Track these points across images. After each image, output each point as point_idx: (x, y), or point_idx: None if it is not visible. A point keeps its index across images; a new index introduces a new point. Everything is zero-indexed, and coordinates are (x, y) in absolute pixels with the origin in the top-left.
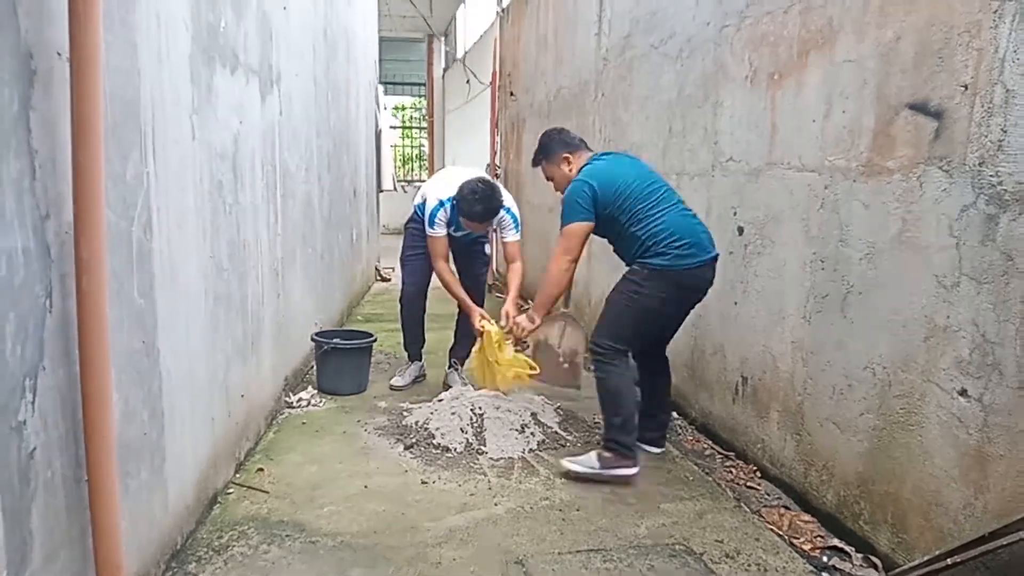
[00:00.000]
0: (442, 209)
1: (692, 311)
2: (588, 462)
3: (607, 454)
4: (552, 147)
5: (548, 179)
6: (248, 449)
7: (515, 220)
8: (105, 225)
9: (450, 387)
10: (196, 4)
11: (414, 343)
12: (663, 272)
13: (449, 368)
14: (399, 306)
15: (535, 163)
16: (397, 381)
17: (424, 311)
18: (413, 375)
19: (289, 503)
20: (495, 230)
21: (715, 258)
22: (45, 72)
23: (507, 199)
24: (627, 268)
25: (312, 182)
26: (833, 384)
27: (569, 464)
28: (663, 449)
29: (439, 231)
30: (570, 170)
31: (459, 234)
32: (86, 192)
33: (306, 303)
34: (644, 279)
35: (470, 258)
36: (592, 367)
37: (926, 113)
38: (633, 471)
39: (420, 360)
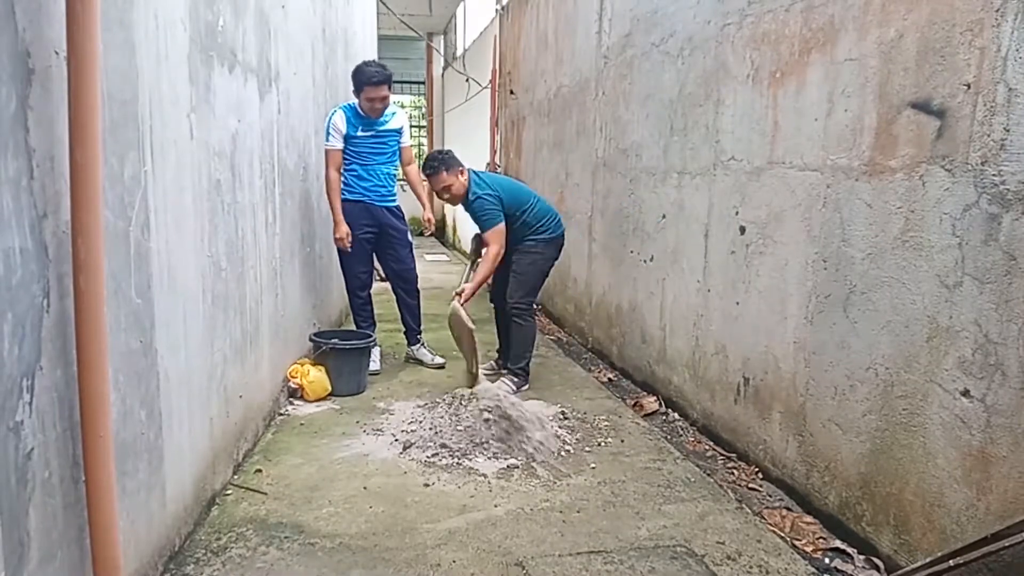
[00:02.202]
0: (335, 115)
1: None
2: (508, 387)
3: (516, 380)
4: (451, 161)
5: (443, 188)
6: (246, 450)
7: (406, 122)
8: (103, 225)
9: (421, 361)
10: (194, 3)
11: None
12: (553, 240)
13: (414, 345)
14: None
15: (431, 172)
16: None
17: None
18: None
19: (288, 504)
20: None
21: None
22: (43, 71)
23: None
24: (522, 245)
25: (311, 180)
26: (835, 385)
27: (504, 389)
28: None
29: (336, 143)
30: (464, 181)
31: (368, 132)
32: (84, 192)
33: (304, 303)
34: (543, 248)
35: (390, 244)
36: (518, 320)
37: (928, 112)
38: (526, 387)
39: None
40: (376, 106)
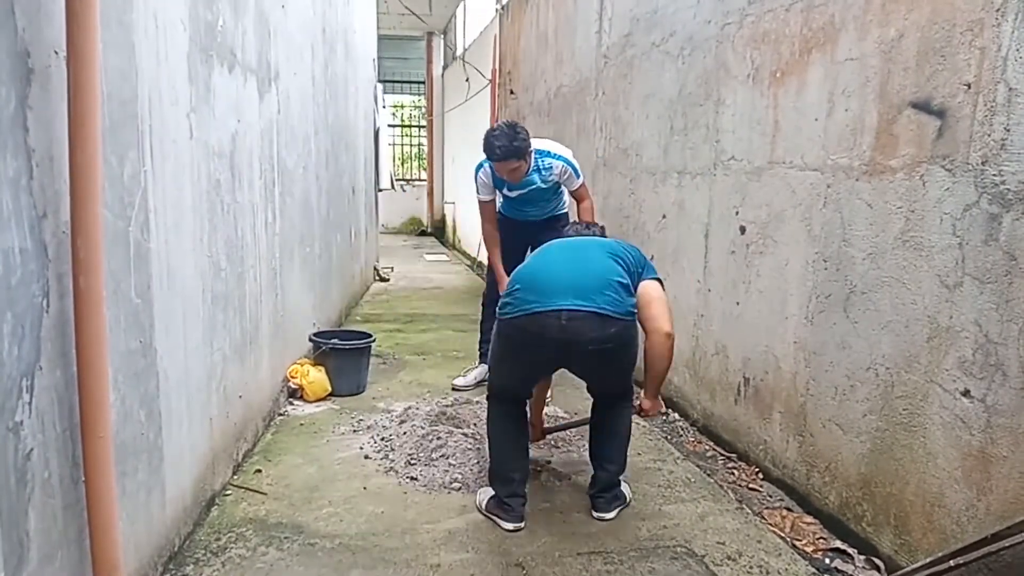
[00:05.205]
0: (481, 170)
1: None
2: (483, 495)
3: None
4: None
5: None
6: (246, 450)
7: (571, 165)
8: (102, 225)
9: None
10: (194, 3)
11: (486, 342)
12: (497, 319)
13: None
14: (482, 307)
15: None
16: (460, 381)
17: None
18: (478, 377)
19: (287, 504)
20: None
21: (563, 311)
22: (42, 71)
23: (553, 147)
24: None
25: (310, 180)
26: (836, 385)
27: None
28: (602, 514)
29: (484, 195)
30: None
31: (514, 193)
32: (83, 191)
33: (304, 303)
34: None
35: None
36: (624, 406)
37: (929, 112)
38: (506, 525)
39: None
40: (522, 188)
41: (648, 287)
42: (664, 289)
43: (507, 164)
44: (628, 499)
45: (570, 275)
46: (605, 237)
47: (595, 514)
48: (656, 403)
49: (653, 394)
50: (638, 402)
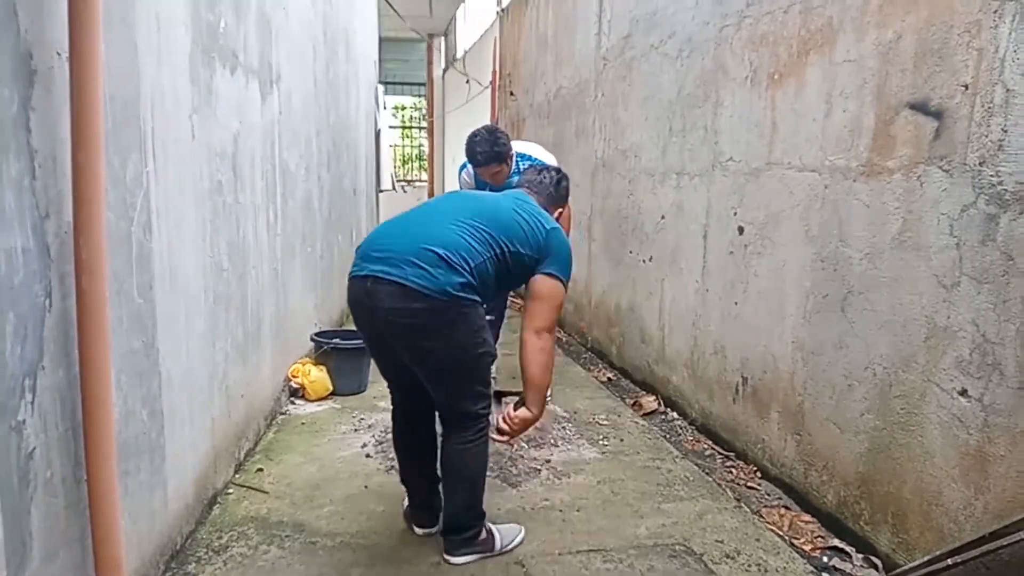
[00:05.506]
0: (464, 171)
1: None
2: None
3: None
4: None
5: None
6: (248, 449)
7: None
8: (105, 225)
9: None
10: (195, 4)
11: None
12: None
13: None
14: None
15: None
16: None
17: None
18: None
19: (289, 503)
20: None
21: (369, 277)
22: (45, 72)
23: (535, 151)
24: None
25: (312, 181)
26: (833, 384)
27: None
28: (447, 556)
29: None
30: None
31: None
32: (86, 192)
33: (306, 303)
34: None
35: None
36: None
37: (926, 113)
38: (418, 531)
39: None
40: (487, 180)
41: (536, 283)
42: (565, 288)
43: (488, 168)
44: (494, 548)
45: (398, 240)
46: (553, 188)
47: (444, 555)
48: (531, 414)
49: (530, 401)
50: (506, 410)
